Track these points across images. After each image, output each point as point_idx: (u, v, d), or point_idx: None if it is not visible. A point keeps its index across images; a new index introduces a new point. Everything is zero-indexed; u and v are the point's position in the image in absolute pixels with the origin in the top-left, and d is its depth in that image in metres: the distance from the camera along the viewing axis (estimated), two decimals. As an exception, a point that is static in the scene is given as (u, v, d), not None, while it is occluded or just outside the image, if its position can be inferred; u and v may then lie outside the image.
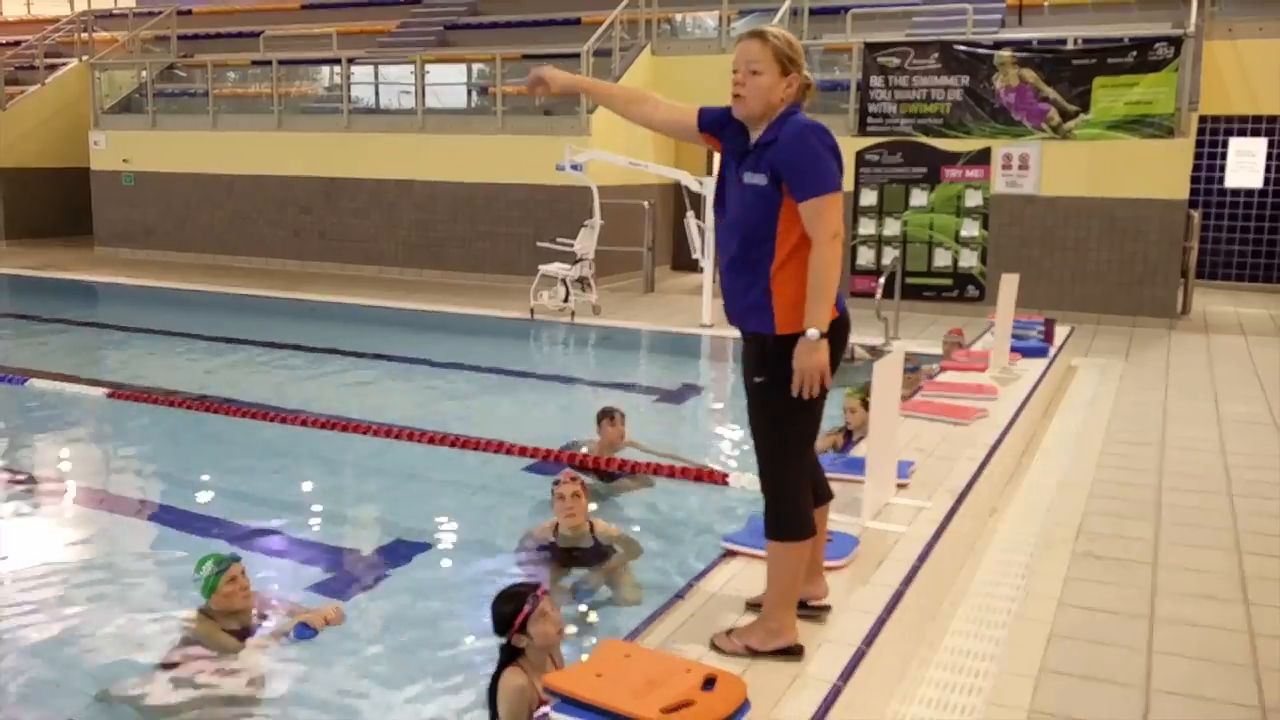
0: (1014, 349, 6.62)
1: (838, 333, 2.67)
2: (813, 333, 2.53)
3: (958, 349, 6.96)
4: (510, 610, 2.84)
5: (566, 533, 4.06)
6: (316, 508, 5.15)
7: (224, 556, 3.53)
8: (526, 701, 2.72)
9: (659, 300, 10.97)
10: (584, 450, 5.34)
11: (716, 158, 2.89)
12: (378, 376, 8.06)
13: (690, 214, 9.70)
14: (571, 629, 3.59)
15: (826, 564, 3.09)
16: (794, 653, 2.73)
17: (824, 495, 2.95)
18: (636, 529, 4.55)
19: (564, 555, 4.04)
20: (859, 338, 7.44)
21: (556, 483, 4.10)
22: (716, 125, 2.78)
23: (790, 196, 2.56)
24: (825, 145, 2.58)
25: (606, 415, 5.24)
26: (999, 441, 4.91)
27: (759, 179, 2.59)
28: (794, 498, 2.70)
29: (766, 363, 2.66)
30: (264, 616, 3.61)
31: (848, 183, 10.39)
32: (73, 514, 5.15)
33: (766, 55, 2.61)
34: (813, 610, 2.93)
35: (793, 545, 2.69)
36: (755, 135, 2.66)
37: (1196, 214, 10.28)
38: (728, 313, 2.75)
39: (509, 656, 2.86)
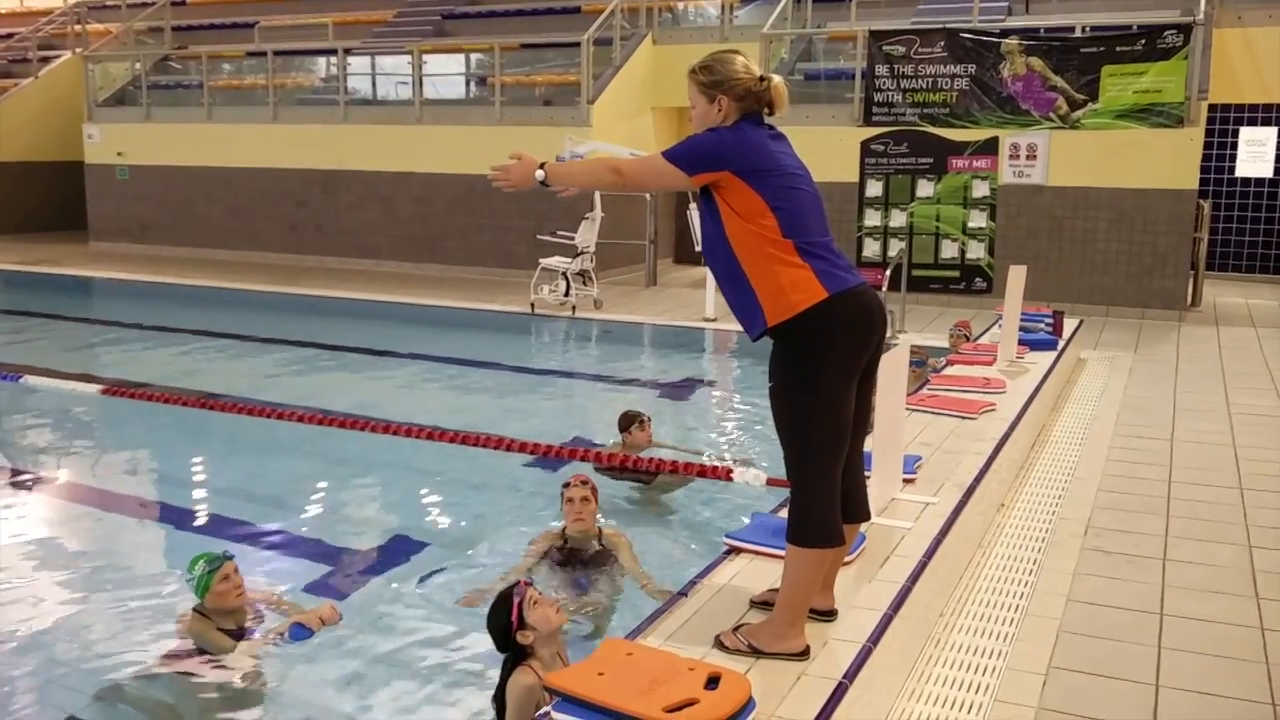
0: (1022, 341, 6.55)
1: (835, 316, 2.55)
2: (540, 173, 2.71)
3: (965, 342, 6.89)
4: (504, 615, 2.80)
5: (574, 535, 4.01)
6: (313, 505, 5.10)
7: (216, 555, 3.48)
8: (535, 701, 2.67)
9: (661, 294, 10.91)
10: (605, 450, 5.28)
11: None
12: (375, 372, 8.01)
13: (693, 206, 9.62)
14: (575, 628, 3.54)
15: (832, 560, 3.02)
16: (799, 657, 2.66)
17: (860, 516, 2.88)
18: (640, 526, 4.50)
19: (570, 556, 4.01)
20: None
21: (566, 485, 4.05)
22: None
23: (717, 194, 2.59)
24: (715, 139, 2.59)
25: (636, 420, 5.17)
26: (1007, 435, 4.85)
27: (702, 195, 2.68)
28: (817, 503, 2.62)
29: (774, 364, 2.62)
30: (260, 616, 3.56)
31: (853, 173, 10.32)
32: (66, 512, 5.10)
33: (692, 91, 2.70)
34: (817, 616, 2.87)
35: (811, 551, 2.62)
36: None
37: (1206, 204, 10.20)
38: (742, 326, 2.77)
39: (518, 657, 2.81)
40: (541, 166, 2.73)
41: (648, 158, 2.77)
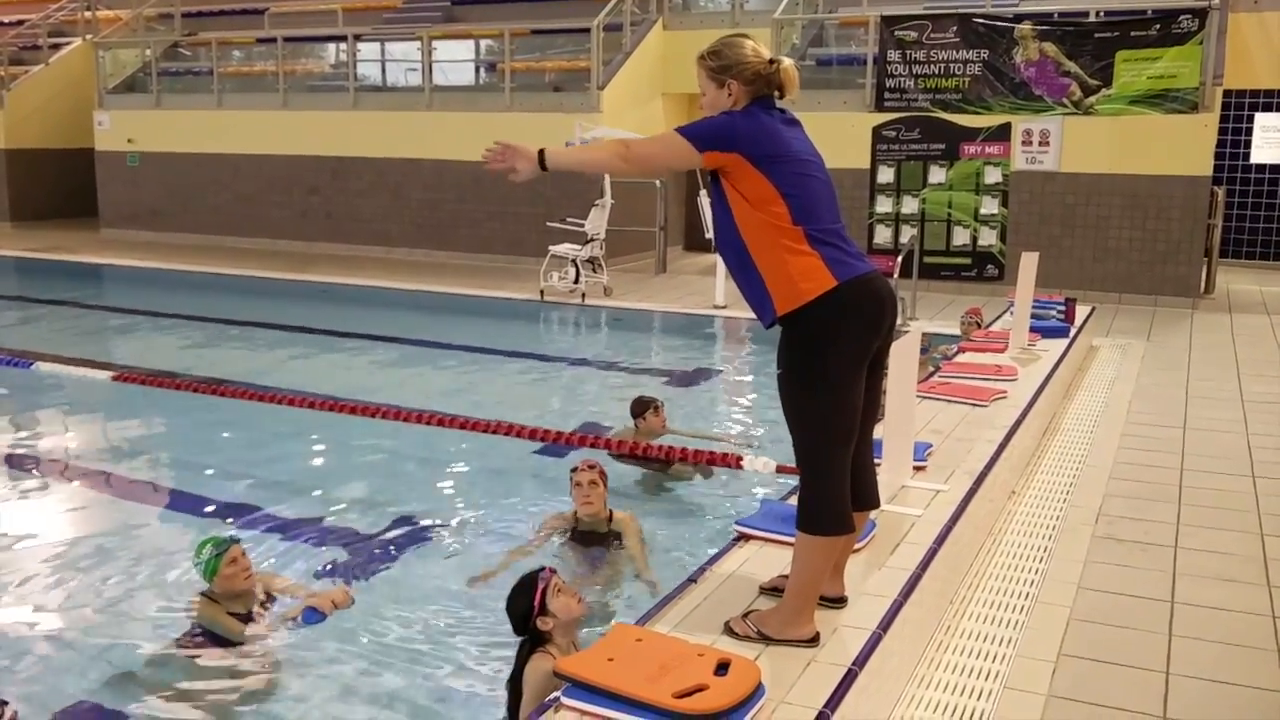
0: (1033, 329, 6.52)
1: (844, 304, 2.54)
2: (541, 156, 2.65)
3: (976, 329, 6.86)
4: (525, 600, 2.81)
5: (585, 518, 4.03)
6: (324, 491, 5.11)
7: (223, 539, 3.51)
8: (553, 686, 2.67)
9: (671, 281, 10.89)
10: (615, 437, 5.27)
11: None
12: (385, 359, 8.03)
13: (703, 193, 9.58)
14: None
15: (843, 547, 3.01)
16: (809, 644, 2.66)
17: (870, 503, 2.88)
18: (651, 512, 4.50)
19: (582, 539, 4.02)
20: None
21: (575, 469, 4.05)
22: None
23: (727, 181, 2.58)
24: (729, 121, 2.58)
25: (650, 406, 5.17)
26: (1018, 423, 4.83)
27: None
28: (827, 490, 2.61)
29: (783, 351, 2.61)
30: (271, 599, 3.58)
31: (864, 159, 10.26)
32: (78, 497, 5.14)
33: (701, 77, 2.69)
34: (827, 602, 2.86)
35: (820, 539, 2.62)
36: None
37: (1220, 191, 10.12)
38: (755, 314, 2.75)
39: (534, 643, 2.81)
40: (541, 153, 2.68)
41: (659, 134, 2.75)
